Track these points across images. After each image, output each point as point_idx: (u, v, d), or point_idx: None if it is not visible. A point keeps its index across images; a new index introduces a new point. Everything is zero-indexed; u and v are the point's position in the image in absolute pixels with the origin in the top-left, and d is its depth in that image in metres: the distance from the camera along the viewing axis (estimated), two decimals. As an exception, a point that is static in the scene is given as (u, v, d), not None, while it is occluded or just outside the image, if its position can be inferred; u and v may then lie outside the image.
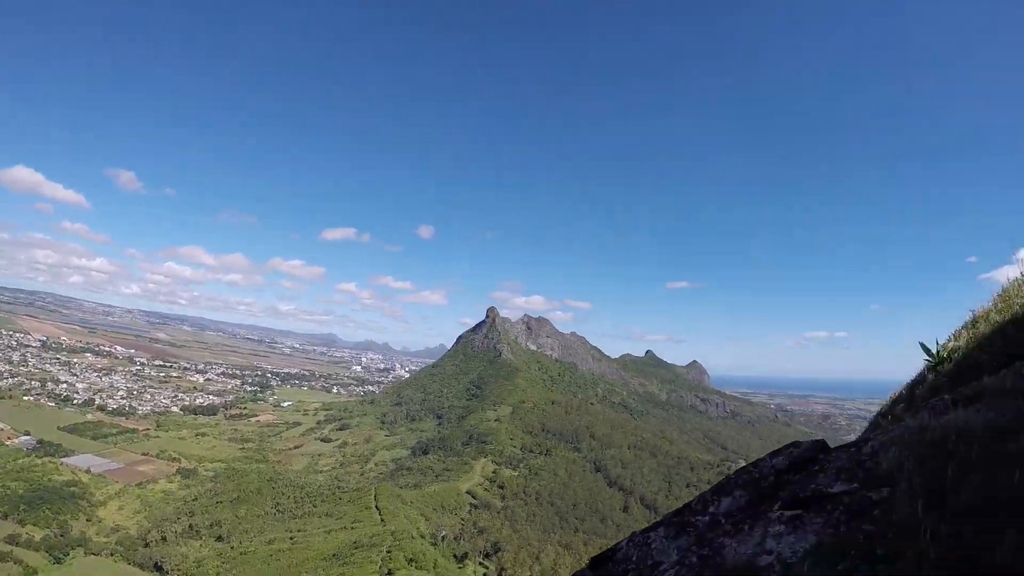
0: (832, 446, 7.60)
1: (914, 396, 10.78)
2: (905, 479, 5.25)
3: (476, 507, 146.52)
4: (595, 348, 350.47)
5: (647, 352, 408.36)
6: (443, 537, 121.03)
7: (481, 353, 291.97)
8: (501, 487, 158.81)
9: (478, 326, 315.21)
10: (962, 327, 11.18)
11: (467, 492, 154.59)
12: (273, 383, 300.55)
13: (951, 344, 10.99)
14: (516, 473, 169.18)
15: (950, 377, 9.58)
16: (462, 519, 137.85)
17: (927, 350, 11.21)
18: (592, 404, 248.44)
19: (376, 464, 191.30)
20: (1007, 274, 13.32)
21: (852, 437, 9.58)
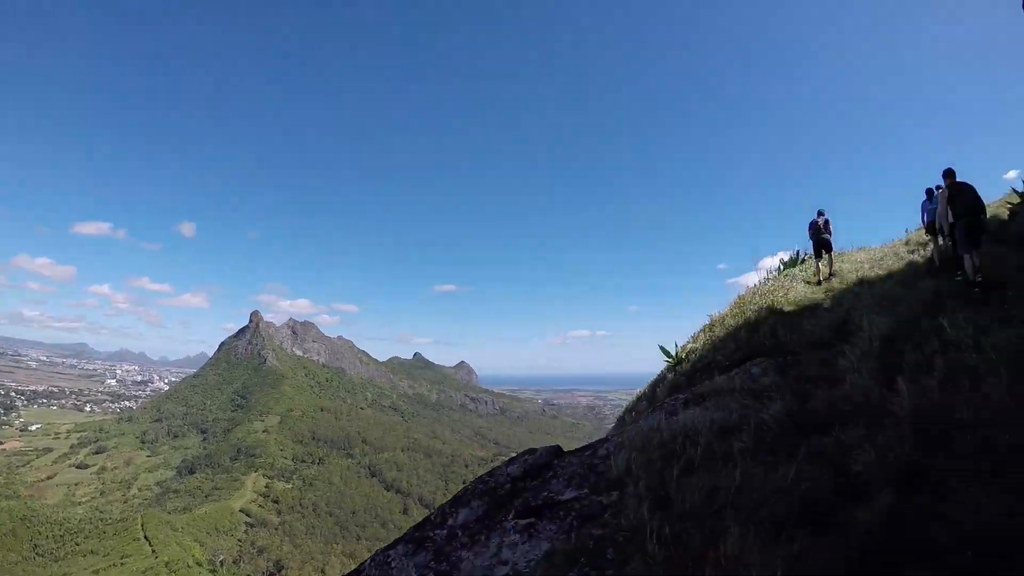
0: (581, 444, 7.80)
1: (655, 394, 11.63)
2: (633, 482, 5.41)
3: (252, 525, 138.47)
4: (363, 352, 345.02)
5: (415, 354, 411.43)
6: (222, 562, 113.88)
7: (245, 360, 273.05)
8: (276, 501, 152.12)
9: (241, 331, 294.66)
10: (700, 330, 12.36)
11: (241, 510, 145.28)
12: (19, 403, 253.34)
13: (689, 345, 12.06)
14: (290, 485, 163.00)
15: (687, 376, 10.45)
16: (239, 540, 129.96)
17: (665, 351, 12.21)
18: (362, 408, 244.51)
19: (140, 489, 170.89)
20: (750, 280, 14.92)
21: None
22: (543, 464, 7.02)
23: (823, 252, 15.12)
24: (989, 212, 12.12)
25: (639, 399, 12.60)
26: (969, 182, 10.55)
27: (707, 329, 11.70)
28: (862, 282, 11.89)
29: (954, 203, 10.35)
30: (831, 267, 14.54)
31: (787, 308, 10.87)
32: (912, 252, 14.02)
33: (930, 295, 9.43)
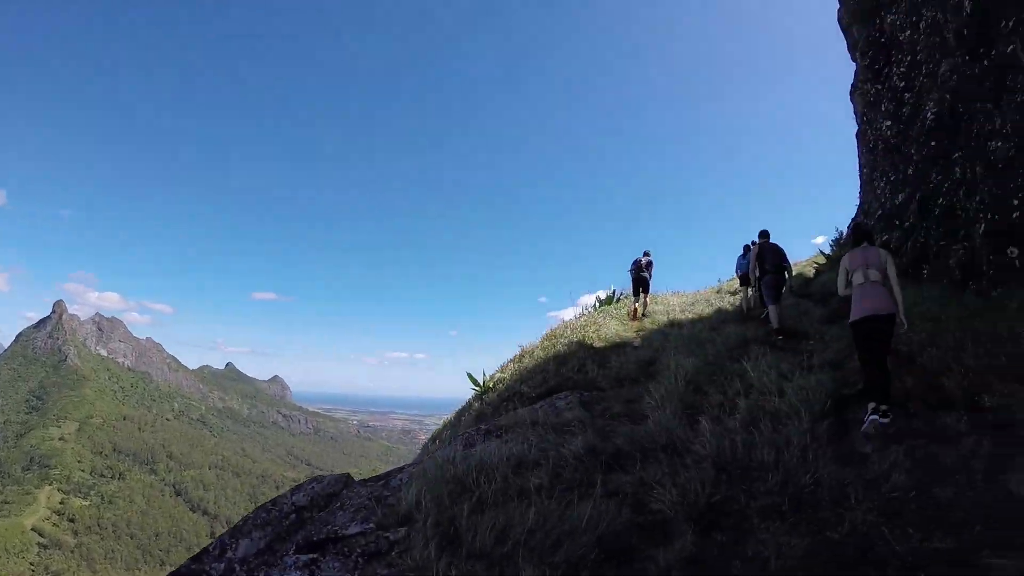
0: (369, 476, 7.14)
1: (460, 422, 10.92)
2: (423, 518, 4.80)
3: (46, 547, 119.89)
4: (172, 357, 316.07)
5: (228, 365, 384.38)
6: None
7: (44, 356, 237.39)
8: (72, 520, 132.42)
9: (42, 322, 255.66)
10: (510, 359, 11.81)
11: (33, 529, 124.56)
12: None
13: (498, 375, 11.45)
14: (87, 503, 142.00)
15: (494, 406, 9.78)
16: (31, 564, 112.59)
17: (473, 379, 11.55)
18: (168, 419, 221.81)
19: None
20: (568, 315, 14.67)
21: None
22: (330, 493, 6.51)
23: (640, 291, 15.23)
24: (797, 270, 12.64)
25: (444, 427, 11.72)
26: (779, 244, 11.62)
27: (517, 359, 11.13)
28: (672, 324, 11.93)
29: (763, 259, 11.20)
30: (644, 307, 14.71)
31: (598, 344, 10.54)
32: (722, 299, 14.40)
33: (736, 340, 9.43)
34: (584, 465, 5.53)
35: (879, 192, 14.42)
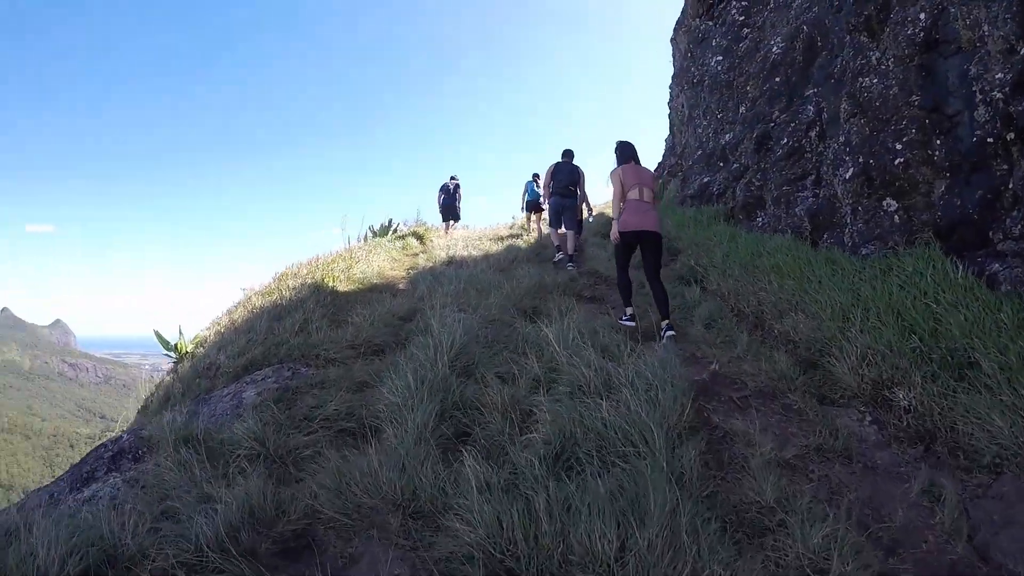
0: None
1: (148, 408, 7.67)
2: None
3: None
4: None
5: (3, 310, 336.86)
6: None
7: None
8: None
9: None
10: (226, 310, 8.50)
11: None
12: None
13: (203, 333, 8.08)
14: None
15: (185, 384, 6.62)
16: None
17: (164, 342, 8.06)
18: None
19: None
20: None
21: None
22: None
23: (450, 218, 15.03)
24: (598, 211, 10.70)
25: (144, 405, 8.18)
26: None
27: (230, 311, 7.89)
28: (451, 262, 9.30)
29: (556, 179, 9.85)
30: (449, 235, 13.22)
31: (343, 288, 7.61)
32: (515, 237, 12.15)
33: (529, 286, 7.10)
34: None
35: (700, 131, 12.94)
